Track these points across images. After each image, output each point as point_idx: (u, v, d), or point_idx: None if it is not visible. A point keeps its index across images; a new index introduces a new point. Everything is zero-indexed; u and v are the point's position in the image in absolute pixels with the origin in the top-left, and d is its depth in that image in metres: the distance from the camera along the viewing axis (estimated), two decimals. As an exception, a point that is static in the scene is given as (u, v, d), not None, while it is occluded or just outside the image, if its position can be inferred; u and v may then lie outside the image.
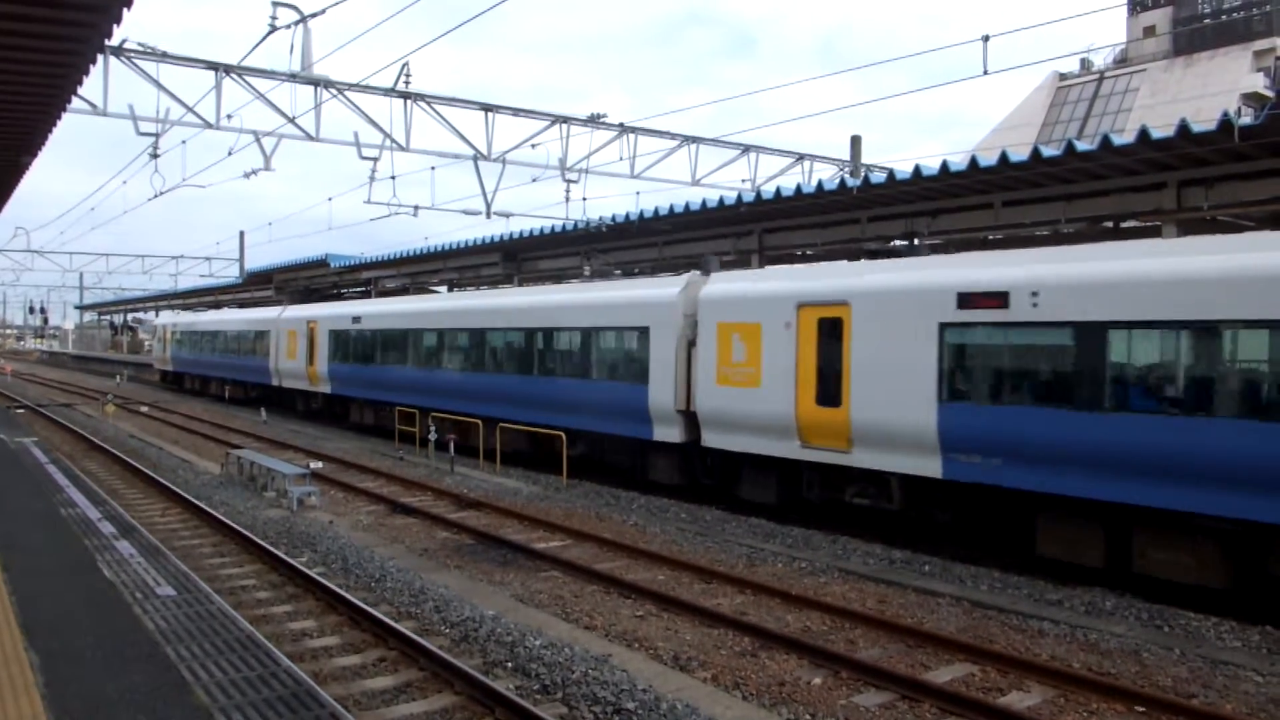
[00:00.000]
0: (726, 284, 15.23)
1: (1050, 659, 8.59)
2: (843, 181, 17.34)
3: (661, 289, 16.55)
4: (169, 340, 47.09)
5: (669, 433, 15.93)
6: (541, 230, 24.87)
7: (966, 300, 11.55)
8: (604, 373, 17.56)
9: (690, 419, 15.57)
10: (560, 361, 18.78)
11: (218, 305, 55.64)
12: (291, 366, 31.47)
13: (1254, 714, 7.48)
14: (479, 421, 20.73)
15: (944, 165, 15.10)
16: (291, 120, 18.22)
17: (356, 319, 27.00)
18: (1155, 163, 13.67)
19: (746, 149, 23.67)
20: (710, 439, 15.15)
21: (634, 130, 21.60)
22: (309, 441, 24.95)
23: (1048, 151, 13.99)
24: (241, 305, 51.95)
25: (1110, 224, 16.03)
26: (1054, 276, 10.77)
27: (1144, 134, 12.76)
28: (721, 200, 19.53)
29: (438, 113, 19.46)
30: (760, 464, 14.59)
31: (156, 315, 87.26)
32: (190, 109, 17.51)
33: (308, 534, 13.41)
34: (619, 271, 20.43)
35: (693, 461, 16.16)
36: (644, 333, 16.39)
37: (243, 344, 36.36)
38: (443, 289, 35.59)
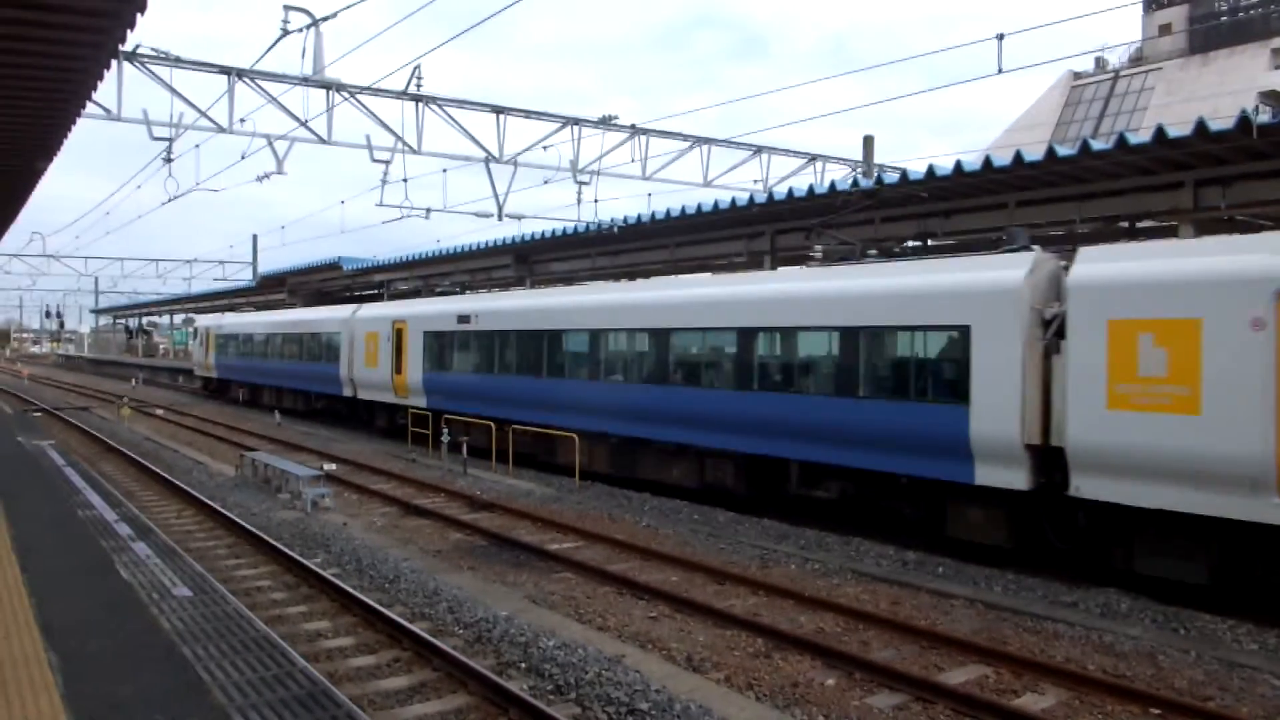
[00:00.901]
0: (1119, 263, 10.68)
1: (1065, 661, 8.55)
2: (855, 181, 17.27)
3: (990, 272, 11.77)
4: (212, 344, 41.44)
5: (1007, 475, 11.36)
6: (553, 232, 24.93)
7: None
8: (879, 389, 13.08)
9: (1043, 456, 11.23)
10: (797, 373, 14.43)
11: (231, 308, 55.84)
12: (370, 375, 26.88)
13: (1271, 717, 7.42)
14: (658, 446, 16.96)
15: (958, 165, 15.05)
16: (304, 124, 18.37)
17: (464, 318, 22.46)
18: (1171, 162, 13.58)
19: (758, 150, 23.72)
20: (1088, 486, 10.63)
21: (645, 132, 21.67)
22: (321, 443, 25.07)
23: (1063, 151, 13.91)
24: (258, 309, 51.34)
25: (1126, 224, 15.94)
26: None
27: (1160, 133, 12.67)
28: (734, 201, 19.53)
29: (449, 115, 19.58)
30: (1180, 526, 10.08)
31: (170, 319, 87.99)
32: (203, 113, 17.67)
33: (322, 535, 13.47)
34: (874, 251, 15.50)
35: (1040, 516, 11.69)
36: (960, 334, 11.90)
37: (305, 348, 31.43)
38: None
